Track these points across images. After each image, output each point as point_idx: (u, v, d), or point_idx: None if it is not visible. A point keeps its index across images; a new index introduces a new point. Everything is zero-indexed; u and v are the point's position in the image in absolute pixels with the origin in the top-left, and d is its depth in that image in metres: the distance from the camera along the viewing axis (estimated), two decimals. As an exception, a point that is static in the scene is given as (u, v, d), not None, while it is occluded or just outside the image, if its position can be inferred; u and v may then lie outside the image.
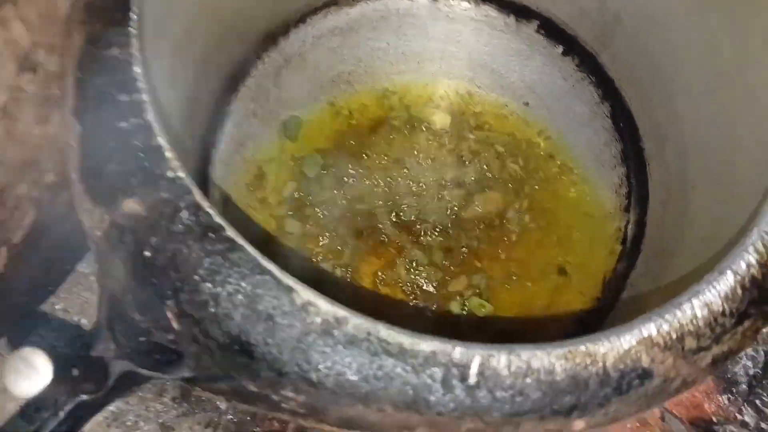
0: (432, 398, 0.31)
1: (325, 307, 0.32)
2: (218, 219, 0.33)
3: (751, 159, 0.47)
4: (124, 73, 0.36)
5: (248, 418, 0.60)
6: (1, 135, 0.47)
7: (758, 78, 0.48)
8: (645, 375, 0.33)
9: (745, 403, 0.62)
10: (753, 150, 0.47)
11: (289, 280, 0.32)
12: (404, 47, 0.70)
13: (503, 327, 0.62)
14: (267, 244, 0.62)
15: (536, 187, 0.67)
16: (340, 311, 0.32)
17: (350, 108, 0.69)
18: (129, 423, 0.60)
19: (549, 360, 0.32)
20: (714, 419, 0.62)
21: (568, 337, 0.33)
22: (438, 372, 0.31)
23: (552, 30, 0.67)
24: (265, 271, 0.32)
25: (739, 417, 0.62)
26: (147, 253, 0.33)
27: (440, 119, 0.69)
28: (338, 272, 0.62)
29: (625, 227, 0.63)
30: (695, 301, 0.35)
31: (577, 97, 0.67)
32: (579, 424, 0.33)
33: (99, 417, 0.59)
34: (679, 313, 0.34)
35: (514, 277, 0.63)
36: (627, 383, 0.33)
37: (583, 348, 0.33)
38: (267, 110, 0.66)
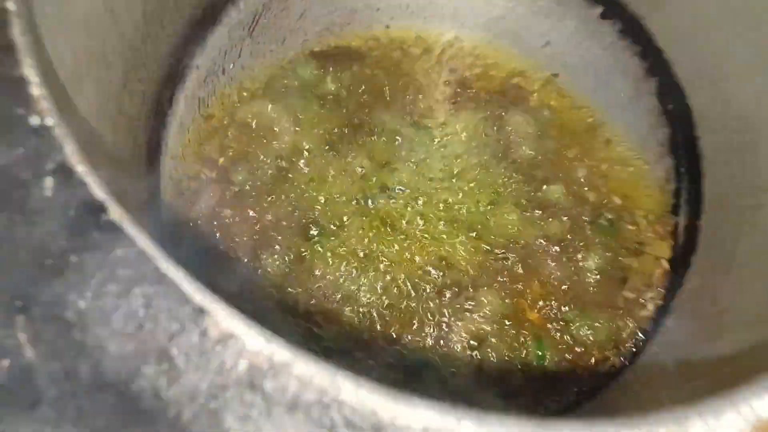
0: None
1: (255, 343, 0.20)
2: (100, 192, 0.21)
3: None
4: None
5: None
6: None
7: None
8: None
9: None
10: None
11: (201, 294, 0.20)
12: (409, -2, 0.58)
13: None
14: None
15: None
16: (280, 352, 0.20)
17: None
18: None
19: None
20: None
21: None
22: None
23: (590, -14, 0.55)
24: (163, 279, 0.20)
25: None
26: (-15, 241, 0.21)
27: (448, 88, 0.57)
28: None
29: (673, 233, 0.51)
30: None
31: (617, 70, 0.55)
32: None
33: None
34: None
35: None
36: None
37: None
38: (239, 66, 0.54)
